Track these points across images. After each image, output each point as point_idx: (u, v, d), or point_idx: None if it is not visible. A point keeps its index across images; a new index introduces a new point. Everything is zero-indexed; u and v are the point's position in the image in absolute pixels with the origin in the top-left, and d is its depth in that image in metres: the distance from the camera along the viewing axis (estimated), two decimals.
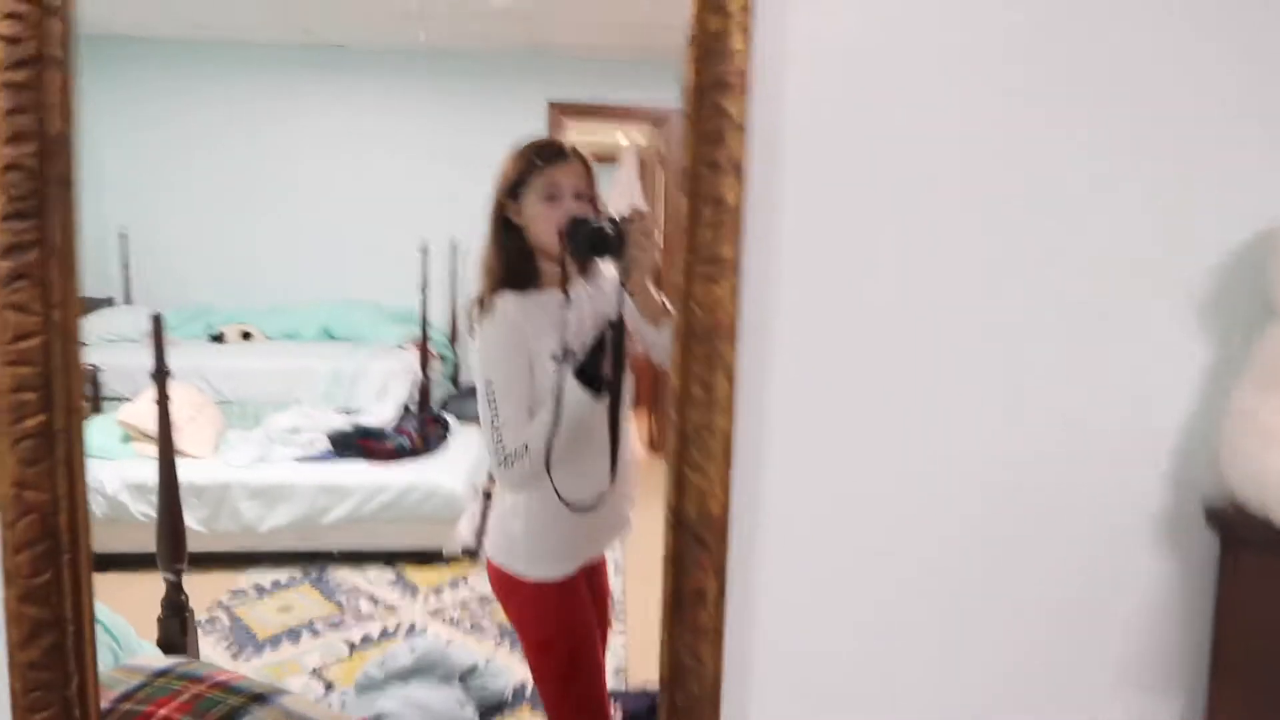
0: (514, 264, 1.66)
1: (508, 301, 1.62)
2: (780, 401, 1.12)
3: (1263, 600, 1.15)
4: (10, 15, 1.06)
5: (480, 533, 2.87)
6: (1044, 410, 1.18)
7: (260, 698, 1.58)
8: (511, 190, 1.65)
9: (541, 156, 1.66)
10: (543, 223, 1.64)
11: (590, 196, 1.66)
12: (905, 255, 1.13)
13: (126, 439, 2.99)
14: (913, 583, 1.19)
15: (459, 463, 4.09)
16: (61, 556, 1.11)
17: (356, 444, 3.76)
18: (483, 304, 1.64)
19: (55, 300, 1.09)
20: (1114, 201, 1.16)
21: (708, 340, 1.05)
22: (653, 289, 1.58)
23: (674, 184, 3.77)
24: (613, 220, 1.58)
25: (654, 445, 3.74)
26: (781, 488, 1.13)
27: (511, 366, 1.60)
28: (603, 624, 1.95)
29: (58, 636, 1.12)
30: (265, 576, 3.76)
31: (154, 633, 2.23)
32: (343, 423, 3.95)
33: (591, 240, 1.57)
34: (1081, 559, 1.22)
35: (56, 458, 1.09)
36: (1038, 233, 1.15)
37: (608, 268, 1.70)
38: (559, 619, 1.81)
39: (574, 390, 1.55)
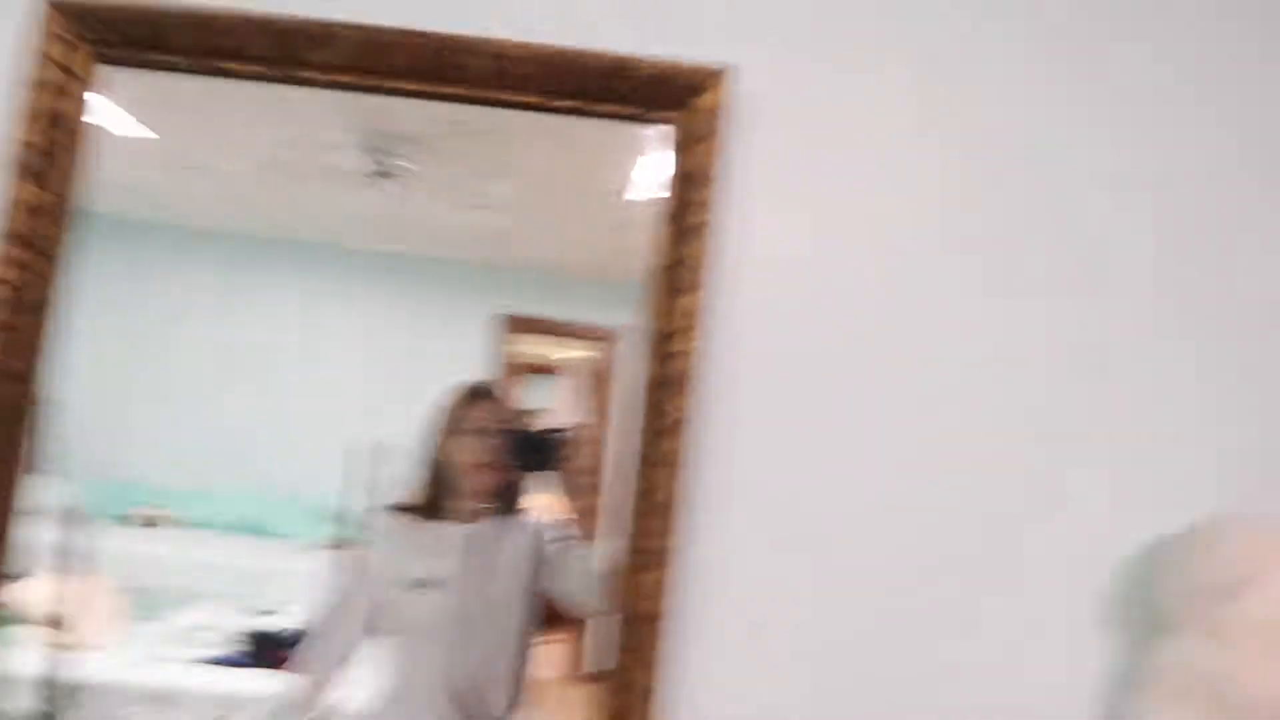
0: (428, 494, 1.82)
1: (392, 526, 1.85)
2: (707, 688, 1.19)
3: None
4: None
5: None
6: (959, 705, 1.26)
7: None
8: (439, 427, 1.83)
9: (462, 397, 1.85)
10: (457, 456, 1.79)
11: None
12: (831, 552, 1.25)
13: (4, 620, 2.91)
14: None
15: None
16: None
17: (263, 651, 3.64)
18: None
19: None
20: (1027, 514, 1.29)
21: (646, 626, 1.13)
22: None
23: (620, 400, 3.92)
24: (547, 432, 1.69)
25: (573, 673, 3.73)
26: None
27: (346, 588, 1.91)
28: None
29: None
30: None
31: None
32: (250, 625, 3.83)
33: (527, 448, 1.68)
34: None
35: None
36: (945, 545, 1.28)
37: (525, 516, 1.79)
38: None
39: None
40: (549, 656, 3.97)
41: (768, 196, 1.28)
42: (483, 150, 2.92)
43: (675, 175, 1.22)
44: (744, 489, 1.24)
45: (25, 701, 2.97)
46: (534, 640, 1.77)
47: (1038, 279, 1.33)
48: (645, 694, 1.13)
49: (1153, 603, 1.29)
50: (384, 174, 2.95)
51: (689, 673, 1.20)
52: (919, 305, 1.30)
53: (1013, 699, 1.29)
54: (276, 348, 3.83)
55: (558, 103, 1.22)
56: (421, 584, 1.76)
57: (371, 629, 1.84)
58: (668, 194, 1.23)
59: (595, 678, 3.42)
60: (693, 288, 1.19)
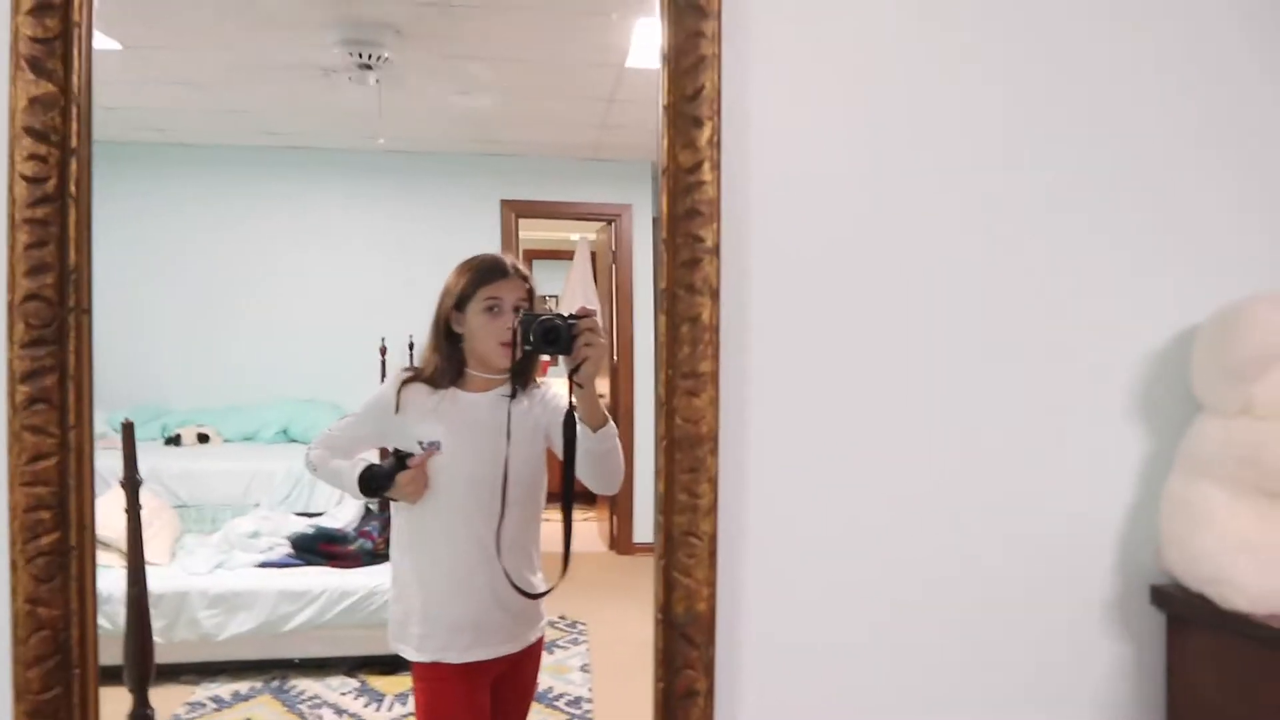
0: (443, 366, 1.84)
1: (409, 390, 1.83)
2: (757, 503, 1.24)
3: (1208, 672, 1.28)
4: (32, 156, 1.16)
5: None
6: (998, 508, 1.32)
7: None
8: (457, 303, 1.82)
9: (485, 273, 1.83)
10: (483, 333, 1.80)
11: (529, 310, 1.80)
12: (865, 364, 1.27)
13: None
14: (888, 674, 1.30)
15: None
16: (71, 671, 1.17)
17: (319, 548, 3.78)
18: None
19: (71, 423, 1.18)
20: (1055, 308, 1.32)
21: (691, 449, 1.17)
22: (596, 394, 1.71)
23: (625, 280, 3.93)
24: (563, 316, 1.71)
25: (615, 545, 3.84)
26: (762, 586, 1.25)
27: (359, 417, 1.98)
28: None
29: None
30: (224, 688, 3.72)
31: None
32: (303, 526, 3.97)
33: (542, 333, 1.69)
34: (1041, 643, 1.35)
35: (69, 574, 1.18)
36: (983, 341, 1.30)
37: (547, 385, 1.83)
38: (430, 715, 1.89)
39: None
40: (587, 532, 4.05)
41: (769, 26, 1.27)
42: (466, 31, 2.86)
43: (679, 8, 1.20)
44: (776, 314, 1.26)
45: (114, 618, 3.07)
46: (570, 517, 1.82)
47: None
48: (709, 510, 1.17)
49: (1187, 385, 1.33)
50: (367, 66, 2.89)
51: (745, 489, 1.24)
52: (936, 122, 1.30)
53: (1051, 486, 1.34)
54: (286, 258, 3.84)
55: None
56: (433, 445, 1.79)
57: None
58: (671, 30, 1.21)
59: (638, 549, 3.48)
60: (710, 117, 1.19)
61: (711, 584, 1.18)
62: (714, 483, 1.18)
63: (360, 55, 2.85)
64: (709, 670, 1.19)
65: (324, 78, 2.95)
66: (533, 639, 1.89)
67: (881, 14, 1.29)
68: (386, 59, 2.85)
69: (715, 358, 1.18)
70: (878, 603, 1.29)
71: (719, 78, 1.20)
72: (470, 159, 3.77)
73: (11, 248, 1.16)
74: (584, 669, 3.13)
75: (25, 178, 1.16)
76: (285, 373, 3.87)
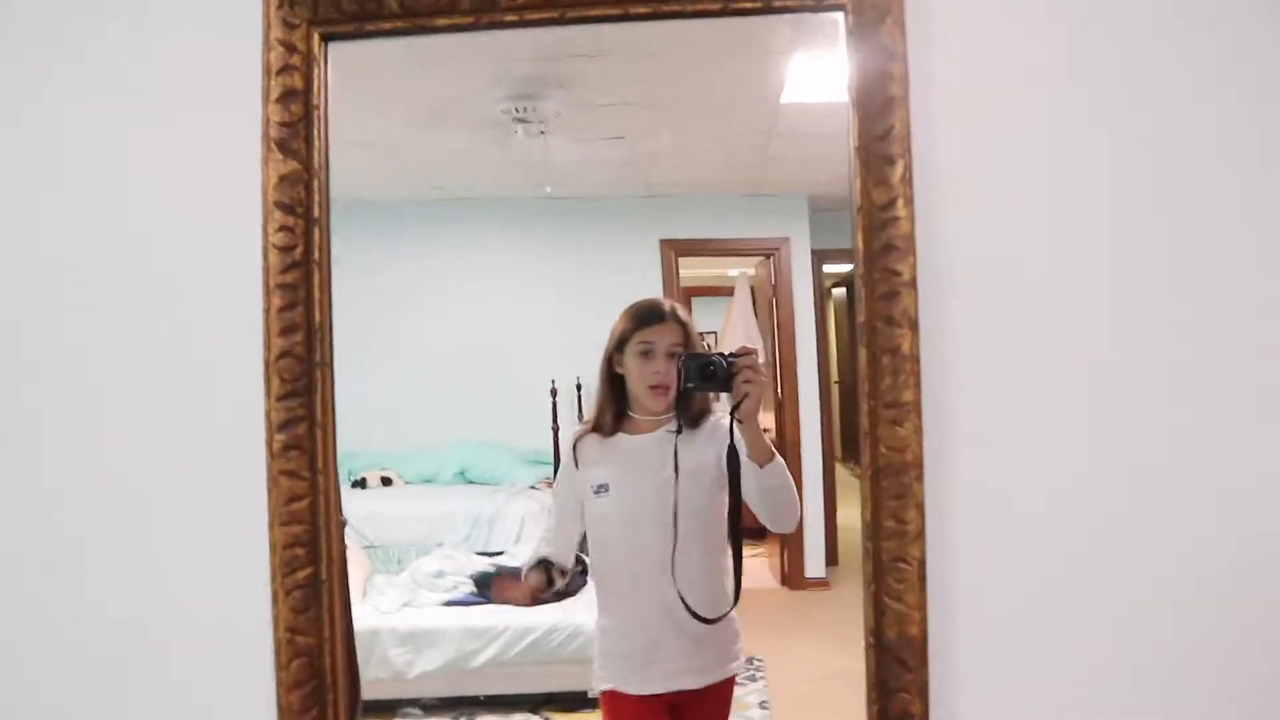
0: (608, 408, 1.97)
1: (582, 444, 1.99)
2: (964, 528, 1.28)
3: None
4: (282, 228, 1.32)
5: None
6: (1217, 527, 1.31)
7: None
8: (617, 345, 1.96)
9: (640, 318, 1.95)
10: (636, 375, 1.92)
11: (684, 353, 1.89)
12: (1064, 387, 1.30)
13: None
14: (1113, 701, 1.30)
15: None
16: (326, 695, 1.30)
17: (498, 588, 3.94)
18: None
19: (319, 467, 1.32)
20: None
21: (897, 476, 1.23)
22: (760, 430, 1.77)
23: (786, 313, 3.98)
24: (722, 355, 1.78)
25: (787, 581, 3.87)
26: (972, 610, 1.28)
27: (555, 489, 2.15)
28: None
29: None
30: None
31: None
32: (485, 565, 4.14)
33: (697, 370, 1.76)
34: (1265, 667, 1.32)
35: (323, 605, 1.31)
36: (1192, 358, 1.31)
37: (720, 419, 1.89)
38: None
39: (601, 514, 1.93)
40: (758, 568, 4.08)
41: (953, 63, 1.32)
42: (623, 79, 2.99)
43: (865, 53, 1.27)
44: (974, 342, 1.30)
45: None
46: (739, 549, 1.88)
47: None
48: (917, 535, 1.22)
49: None
50: (533, 120, 3.04)
51: (951, 514, 1.28)
52: (1125, 143, 1.32)
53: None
54: (459, 305, 4.06)
55: (741, 4, 1.28)
56: (602, 488, 1.92)
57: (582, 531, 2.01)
58: (858, 73, 1.28)
59: (810, 584, 3.49)
60: (901, 155, 1.25)
61: (922, 608, 1.23)
62: (921, 509, 1.23)
63: (526, 110, 3.02)
64: (923, 693, 1.23)
65: (493, 133, 3.13)
66: (720, 677, 1.95)
67: (1059, 49, 1.33)
68: (551, 111, 3.00)
69: (917, 387, 1.23)
70: (1089, 622, 1.30)
71: (908, 116, 1.26)
72: (630, 201, 3.91)
73: (266, 310, 1.32)
74: (762, 705, 3.16)
75: (277, 247, 1.32)
76: (461, 416, 4.07)
